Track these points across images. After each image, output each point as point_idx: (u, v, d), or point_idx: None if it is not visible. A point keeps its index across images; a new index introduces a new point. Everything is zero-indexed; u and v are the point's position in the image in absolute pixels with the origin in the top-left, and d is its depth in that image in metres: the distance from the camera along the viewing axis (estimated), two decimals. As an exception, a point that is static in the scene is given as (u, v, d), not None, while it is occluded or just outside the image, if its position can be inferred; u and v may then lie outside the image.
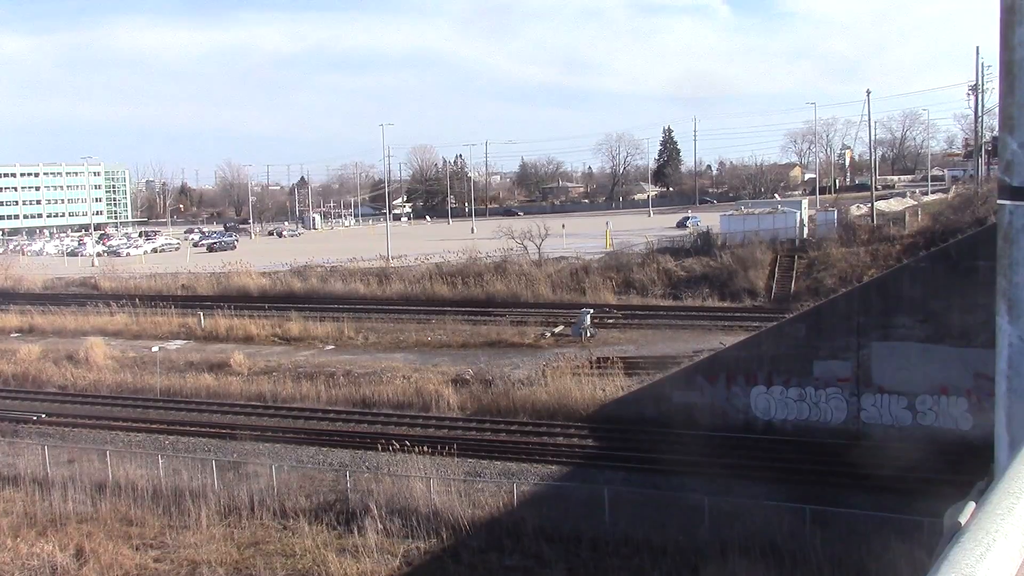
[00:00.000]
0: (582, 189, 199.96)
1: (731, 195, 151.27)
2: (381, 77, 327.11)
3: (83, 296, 66.98)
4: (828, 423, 30.76)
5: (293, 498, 27.33)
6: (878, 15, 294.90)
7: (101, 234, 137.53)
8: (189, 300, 62.67)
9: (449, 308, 54.85)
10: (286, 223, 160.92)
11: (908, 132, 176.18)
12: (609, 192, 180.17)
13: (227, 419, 37.09)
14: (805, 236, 63.27)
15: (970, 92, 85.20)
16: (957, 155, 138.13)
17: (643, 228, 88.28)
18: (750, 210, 70.67)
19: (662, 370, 36.05)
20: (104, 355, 46.65)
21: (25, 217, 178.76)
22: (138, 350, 48.22)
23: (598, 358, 40.20)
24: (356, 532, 24.79)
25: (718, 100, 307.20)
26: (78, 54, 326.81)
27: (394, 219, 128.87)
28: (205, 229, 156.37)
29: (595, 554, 23.25)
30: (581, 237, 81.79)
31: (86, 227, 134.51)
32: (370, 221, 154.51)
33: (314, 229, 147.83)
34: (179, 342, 51.23)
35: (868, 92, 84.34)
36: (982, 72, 78.87)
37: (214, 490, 27.90)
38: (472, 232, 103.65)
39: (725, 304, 53.13)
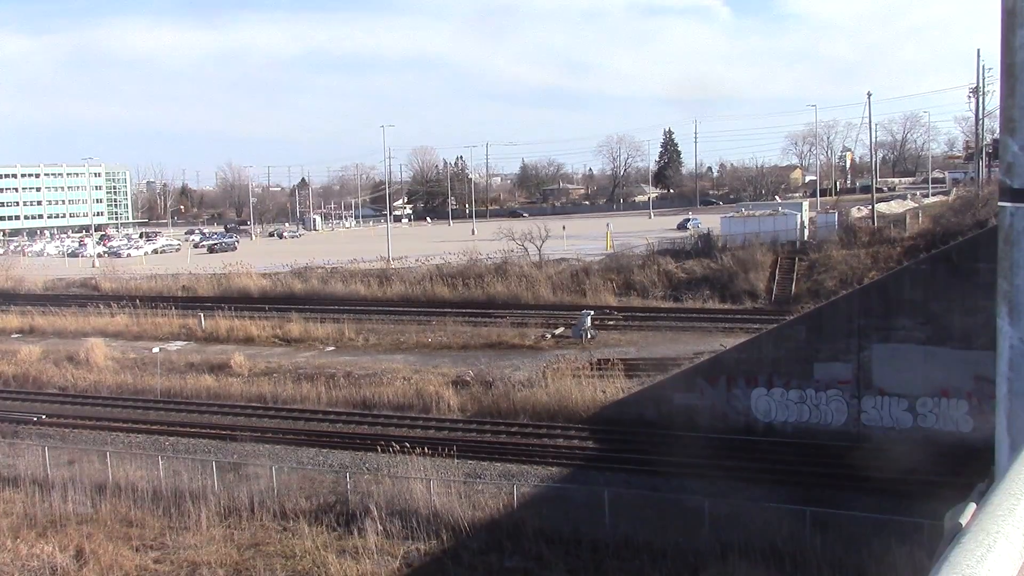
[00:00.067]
0: (583, 191, 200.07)
1: (732, 197, 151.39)
2: (382, 79, 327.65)
3: (84, 297, 67.03)
4: (829, 425, 30.75)
5: (293, 499, 27.33)
6: (879, 17, 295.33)
7: (102, 235, 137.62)
8: (190, 301, 62.68)
9: (450, 309, 54.85)
10: (287, 224, 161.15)
11: (909, 134, 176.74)
12: (610, 194, 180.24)
13: (227, 420, 37.07)
14: (806, 238, 63.33)
15: (971, 94, 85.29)
16: (958, 157, 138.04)
17: (644, 230, 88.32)
18: (751, 212, 70.76)
19: (662, 372, 36.03)
20: (104, 356, 46.65)
21: (26, 218, 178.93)
22: (138, 351, 48.23)
23: (598, 360, 40.19)
24: (356, 533, 24.78)
25: (719, 102, 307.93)
26: (79, 55, 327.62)
27: (395, 220, 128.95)
28: (206, 230, 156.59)
29: (595, 556, 23.25)
30: (582, 239, 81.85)
31: (87, 228, 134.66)
32: (371, 222, 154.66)
33: (315, 230, 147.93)
34: (179, 343, 51.25)
35: (869, 94, 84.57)
36: (983, 75, 78.93)
37: (214, 491, 27.90)
38: (473, 234, 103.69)
39: (726, 306, 53.14)
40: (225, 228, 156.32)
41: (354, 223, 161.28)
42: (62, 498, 27.88)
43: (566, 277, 59.73)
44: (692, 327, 47.63)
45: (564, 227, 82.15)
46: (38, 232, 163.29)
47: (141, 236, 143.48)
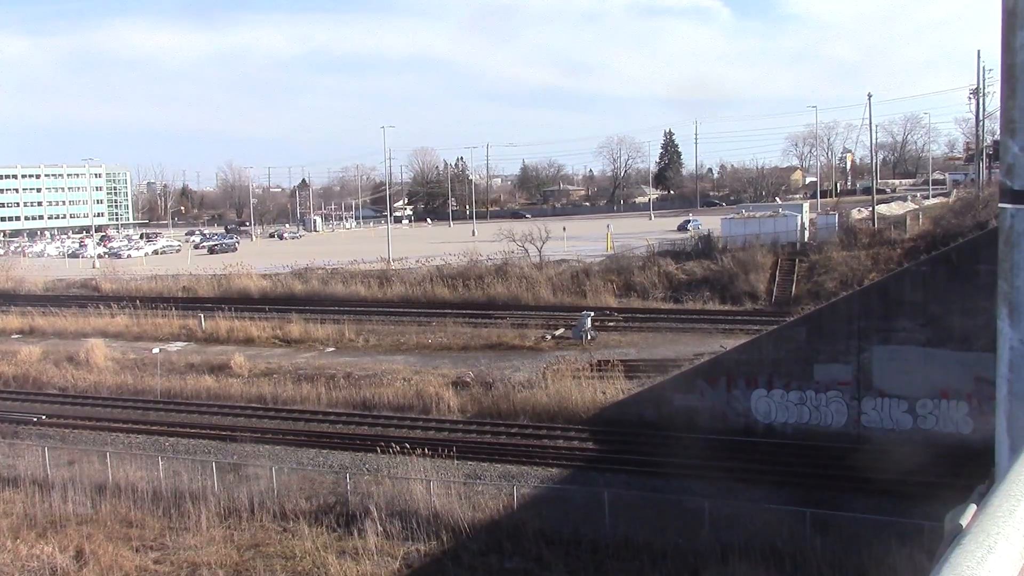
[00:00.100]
0: (583, 192, 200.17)
1: (732, 198, 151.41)
2: (382, 79, 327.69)
3: (84, 298, 67.00)
4: (829, 427, 30.75)
5: (293, 500, 27.33)
6: (879, 18, 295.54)
7: (102, 236, 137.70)
8: (190, 302, 62.69)
9: (450, 310, 54.85)
10: (287, 225, 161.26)
11: (909, 136, 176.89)
12: (610, 195, 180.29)
13: (227, 421, 37.09)
14: (806, 239, 63.36)
15: (971, 96, 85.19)
16: (958, 159, 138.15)
17: (644, 231, 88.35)
18: (751, 213, 70.79)
19: (663, 373, 36.03)
20: (104, 357, 46.66)
21: (26, 219, 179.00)
22: (139, 352, 48.22)
23: (599, 361, 40.19)
24: (356, 534, 24.78)
25: (719, 103, 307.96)
26: (79, 56, 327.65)
27: (395, 221, 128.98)
28: (206, 231, 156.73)
29: (595, 557, 23.26)
30: (582, 240, 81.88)
31: (87, 229, 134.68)
32: (371, 223, 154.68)
33: (315, 231, 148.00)
34: (180, 344, 51.25)
35: (869, 96, 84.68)
36: (983, 76, 78.90)
37: (214, 492, 27.90)
38: (473, 235, 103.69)
39: (726, 307, 53.14)
40: (225, 229, 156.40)
41: (354, 224, 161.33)
42: (62, 499, 27.88)
43: (566, 278, 59.75)
44: (692, 328, 47.62)
45: (564, 228, 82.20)
46: (38, 233, 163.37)
47: (141, 237, 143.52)
